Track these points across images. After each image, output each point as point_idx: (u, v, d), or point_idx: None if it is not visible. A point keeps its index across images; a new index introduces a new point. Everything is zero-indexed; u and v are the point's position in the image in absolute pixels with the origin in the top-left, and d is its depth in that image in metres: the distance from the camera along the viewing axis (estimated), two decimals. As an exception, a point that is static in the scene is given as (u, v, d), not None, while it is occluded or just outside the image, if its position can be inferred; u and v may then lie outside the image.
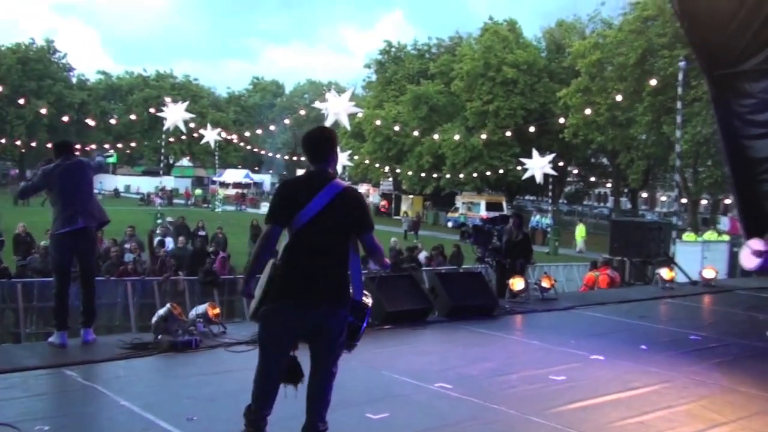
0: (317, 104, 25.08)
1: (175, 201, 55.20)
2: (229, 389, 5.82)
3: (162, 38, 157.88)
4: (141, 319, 12.45)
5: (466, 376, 6.70)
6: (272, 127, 39.15)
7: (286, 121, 41.24)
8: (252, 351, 6.45)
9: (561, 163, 41.29)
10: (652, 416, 5.74)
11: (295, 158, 60.47)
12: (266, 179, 76.67)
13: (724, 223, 45.90)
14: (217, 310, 7.76)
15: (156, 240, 17.71)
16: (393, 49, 62.12)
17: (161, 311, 7.22)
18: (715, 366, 7.62)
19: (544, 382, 6.60)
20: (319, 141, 4.61)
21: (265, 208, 54.87)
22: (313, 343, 4.50)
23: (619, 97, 34.71)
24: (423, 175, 51.55)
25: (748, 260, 9.51)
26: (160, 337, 7.03)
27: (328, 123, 22.67)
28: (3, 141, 49.23)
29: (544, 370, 7.02)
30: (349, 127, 30.16)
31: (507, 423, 5.44)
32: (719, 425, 5.63)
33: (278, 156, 64.34)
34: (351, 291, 4.53)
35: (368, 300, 4.66)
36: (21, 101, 45.95)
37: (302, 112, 42.40)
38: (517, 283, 11.09)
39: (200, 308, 7.76)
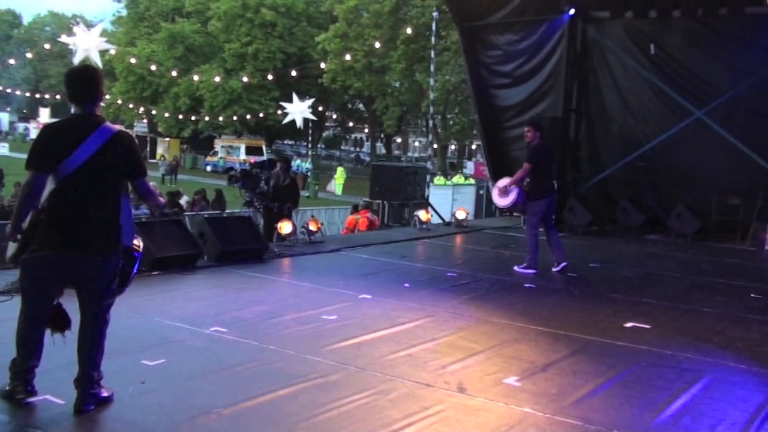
0: (64, 38, 23.33)
1: None
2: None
3: None
4: None
5: (240, 319, 6.71)
6: (11, 61, 35.69)
7: (28, 55, 37.79)
8: (9, 301, 6.04)
9: (320, 108, 41.82)
10: (419, 348, 6.11)
11: (37, 96, 55.77)
12: (4, 118, 70.27)
13: (470, 167, 49.32)
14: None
15: None
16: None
17: None
18: (470, 300, 8.25)
19: (317, 322, 6.78)
20: (86, 80, 4.35)
21: (2, 149, 50.58)
22: (82, 290, 4.30)
23: (377, 44, 35.65)
24: (180, 117, 49.84)
25: (500, 199, 10.27)
26: None
27: (76, 60, 21.27)
28: None
29: (316, 310, 7.19)
30: (100, 65, 28.40)
31: (285, 362, 5.54)
32: (476, 353, 6.12)
33: (18, 92, 58.94)
34: (122, 237, 4.38)
35: (139, 244, 4.55)
36: None
37: (46, 46, 39.10)
38: (285, 227, 11.19)
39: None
